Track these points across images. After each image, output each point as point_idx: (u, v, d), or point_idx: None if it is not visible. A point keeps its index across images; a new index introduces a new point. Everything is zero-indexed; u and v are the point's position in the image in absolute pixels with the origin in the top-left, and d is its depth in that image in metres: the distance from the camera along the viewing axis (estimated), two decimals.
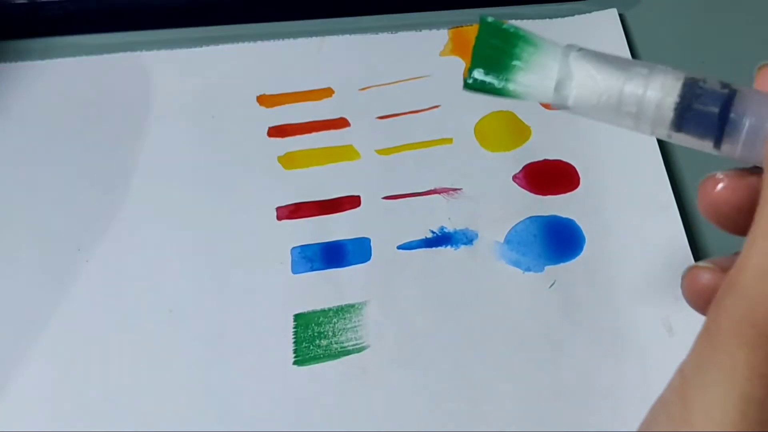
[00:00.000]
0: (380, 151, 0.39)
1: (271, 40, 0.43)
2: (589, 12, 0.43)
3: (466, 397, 0.33)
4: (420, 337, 0.34)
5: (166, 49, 0.43)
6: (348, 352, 0.34)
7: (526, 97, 0.24)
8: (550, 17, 0.43)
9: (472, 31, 0.43)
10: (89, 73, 0.42)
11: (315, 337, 0.34)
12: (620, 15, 0.43)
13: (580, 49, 0.23)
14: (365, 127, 0.40)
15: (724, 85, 0.22)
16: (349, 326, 0.34)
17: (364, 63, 0.42)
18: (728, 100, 0.22)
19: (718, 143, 0.22)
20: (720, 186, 0.22)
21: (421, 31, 0.43)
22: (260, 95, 0.41)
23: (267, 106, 0.41)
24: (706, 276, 0.23)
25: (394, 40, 0.43)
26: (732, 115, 0.22)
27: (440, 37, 0.43)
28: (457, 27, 0.43)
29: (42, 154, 0.40)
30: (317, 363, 0.34)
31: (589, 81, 0.23)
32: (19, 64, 0.42)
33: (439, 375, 0.33)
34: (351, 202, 0.38)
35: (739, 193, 0.22)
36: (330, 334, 0.34)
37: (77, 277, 0.36)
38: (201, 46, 0.43)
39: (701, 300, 0.23)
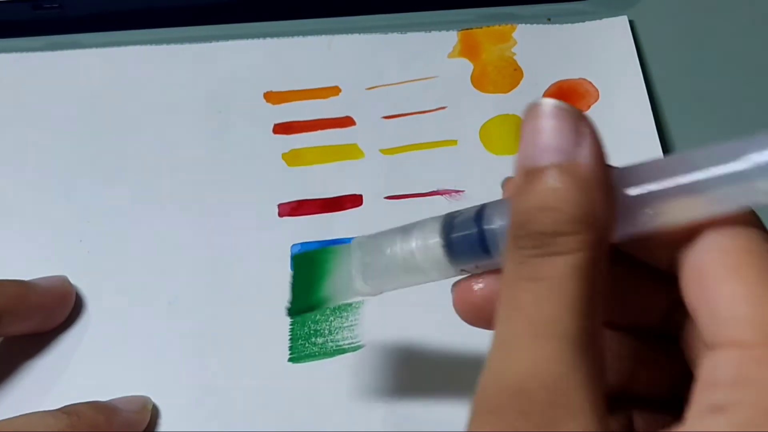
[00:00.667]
0: (384, 151, 0.39)
1: (280, 38, 0.43)
2: (593, 12, 0.42)
3: (464, 397, 0.33)
4: (417, 337, 0.34)
5: (175, 44, 0.43)
6: (344, 351, 0.34)
7: (341, 298, 0.27)
8: (555, 16, 0.43)
9: (481, 34, 0.42)
10: (95, 66, 0.42)
11: (311, 335, 0.34)
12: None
13: (366, 236, 0.26)
14: (371, 126, 0.40)
15: (477, 207, 0.23)
16: (345, 325, 0.34)
17: (371, 62, 0.42)
18: (478, 216, 0.23)
19: (491, 257, 0.23)
20: (478, 286, 0.24)
21: (430, 32, 0.43)
22: (267, 92, 0.41)
23: (273, 103, 0.41)
24: (478, 285, 0.24)
25: (402, 40, 0.43)
26: (485, 226, 0.23)
27: (449, 38, 0.42)
28: (466, 29, 0.43)
29: (45, 145, 0.40)
30: (312, 361, 0.34)
31: (376, 256, 0.26)
32: (24, 54, 0.43)
33: (436, 375, 0.33)
34: (353, 200, 0.38)
35: (495, 291, 0.23)
36: (326, 332, 0.34)
37: (78, 268, 0.36)
38: (210, 42, 0.43)
39: (472, 311, 0.24)
